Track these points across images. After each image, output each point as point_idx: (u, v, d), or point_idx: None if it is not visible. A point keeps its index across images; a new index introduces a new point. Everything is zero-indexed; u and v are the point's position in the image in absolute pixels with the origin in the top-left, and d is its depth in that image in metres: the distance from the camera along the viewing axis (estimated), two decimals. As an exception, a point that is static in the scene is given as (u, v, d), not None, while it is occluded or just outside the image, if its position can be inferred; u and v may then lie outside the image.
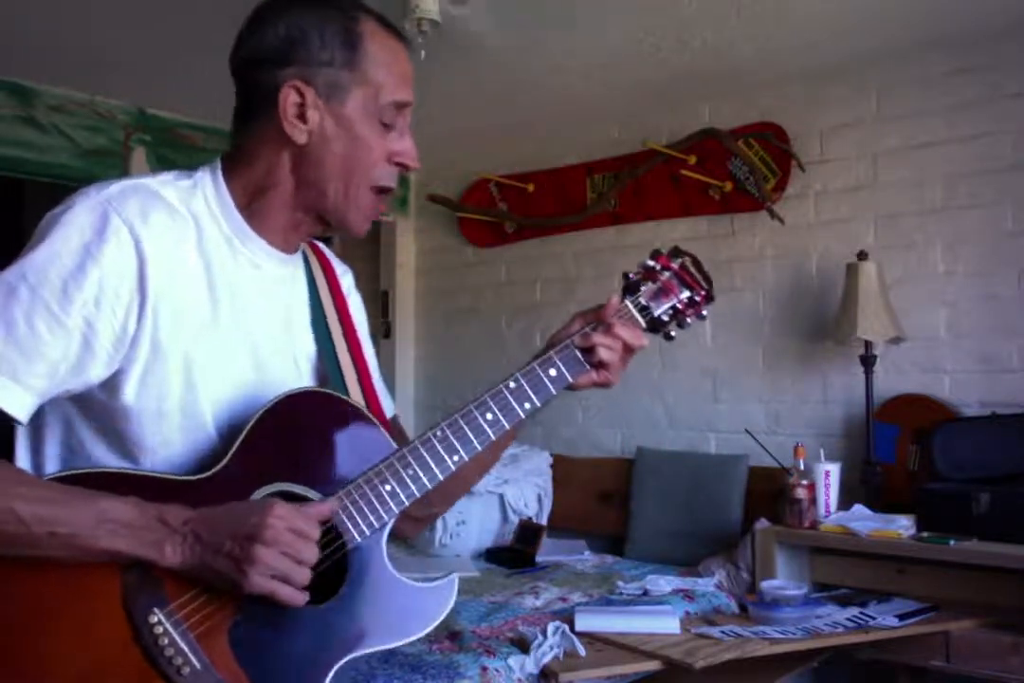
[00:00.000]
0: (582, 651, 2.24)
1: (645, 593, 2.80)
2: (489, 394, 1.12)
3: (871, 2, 2.86)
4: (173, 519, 0.92)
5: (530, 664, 2.20)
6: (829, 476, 2.89)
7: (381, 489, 1.04)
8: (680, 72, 3.45)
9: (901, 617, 2.43)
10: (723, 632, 2.36)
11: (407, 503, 1.05)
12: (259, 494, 1.00)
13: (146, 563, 0.91)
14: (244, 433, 1.01)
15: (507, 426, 1.12)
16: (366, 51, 1.07)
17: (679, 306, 1.29)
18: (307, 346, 1.18)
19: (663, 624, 2.41)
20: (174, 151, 4.14)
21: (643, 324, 1.24)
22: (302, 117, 1.06)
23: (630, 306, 1.24)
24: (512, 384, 1.13)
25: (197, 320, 1.03)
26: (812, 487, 2.82)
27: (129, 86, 3.73)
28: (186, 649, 0.91)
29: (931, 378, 3.14)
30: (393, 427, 1.22)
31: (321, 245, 1.30)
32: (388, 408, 1.26)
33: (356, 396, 1.17)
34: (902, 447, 3.08)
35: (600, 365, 1.18)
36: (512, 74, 3.47)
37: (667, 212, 3.84)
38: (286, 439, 1.03)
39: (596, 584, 2.97)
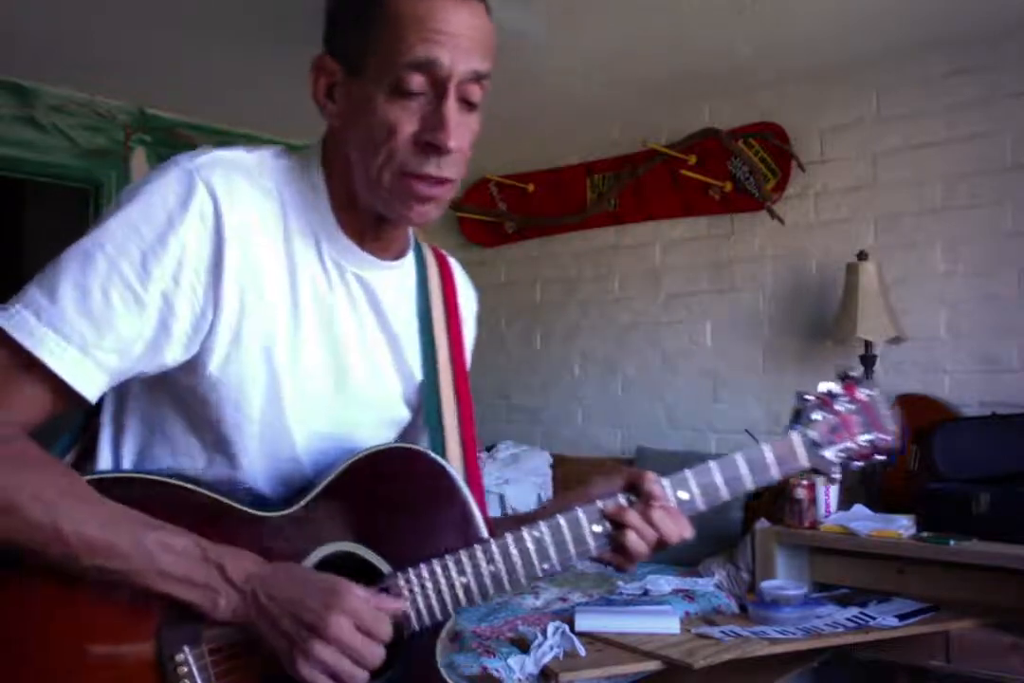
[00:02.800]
0: (582, 651, 2.24)
1: (645, 593, 2.80)
2: (603, 502, 0.98)
3: (871, 2, 2.86)
4: (234, 572, 0.83)
5: (530, 664, 2.20)
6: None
7: (456, 580, 0.92)
8: (680, 72, 3.45)
9: (901, 617, 2.43)
10: (723, 632, 2.36)
11: (477, 602, 0.93)
12: (326, 550, 0.91)
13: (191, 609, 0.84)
14: (328, 479, 0.92)
15: (558, 568, 0.97)
16: (388, 5, 0.89)
17: (854, 449, 1.06)
18: (405, 367, 1.06)
19: (663, 624, 2.41)
20: (174, 151, 4.06)
21: (806, 463, 1.03)
22: (331, 96, 0.94)
23: (795, 439, 1.04)
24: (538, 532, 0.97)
25: (277, 319, 0.93)
26: (812, 487, 2.82)
27: (129, 86, 3.73)
28: None
29: (931, 378, 3.14)
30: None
31: (452, 261, 1.16)
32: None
33: (452, 439, 1.05)
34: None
35: (620, 548, 0.97)
36: (512, 74, 3.48)
37: (667, 212, 3.85)
38: (370, 497, 0.93)
39: (596, 584, 2.97)
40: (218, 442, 0.94)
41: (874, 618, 2.43)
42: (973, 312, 3.10)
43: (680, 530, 0.98)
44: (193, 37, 3.19)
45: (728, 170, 3.64)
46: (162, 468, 0.94)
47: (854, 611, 2.50)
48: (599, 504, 0.98)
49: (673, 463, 3.75)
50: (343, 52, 0.93)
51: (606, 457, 3.88)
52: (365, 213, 0.97)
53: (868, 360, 3.11)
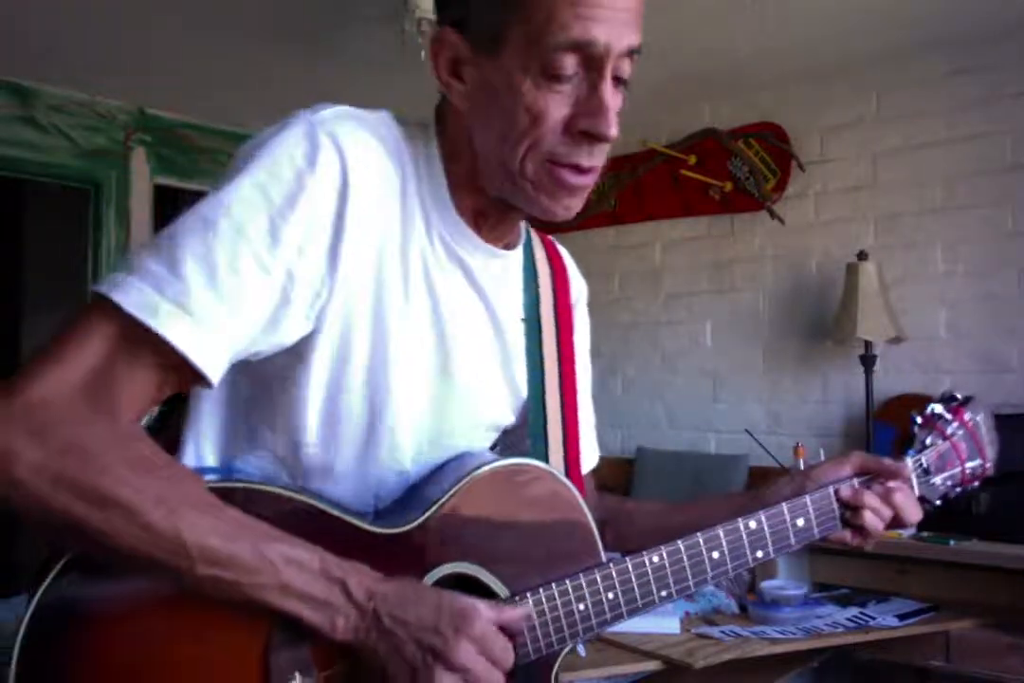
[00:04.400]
0: (582, 651, 2.24)
1: (645, 593, 2.79)
2: (724, 529, 0.95)
3: (871, 2, 2.86)
4: (356, 589, 0.76)
5: (530, 664, 2.19)
6: (829, 476, 2.88)
7: (575, 607, 0.87)
8: (680, 72, 3.45)
9: (901, 617, 2.42)
10: (723, 632, 2.36)
11: (595, 631, 0.88)
12: (443, 570, 0.85)
13: (307, 627, 0.77)
14: (447, 496, 0.85)
15: (730, 571, 0.95)
16: None
17: (959, 477, 1.07)
18: (511, 374, 0.99)
19: (663, 624, 2.40)
20: (174, 151, 4.14)
21: (915, 490, 1.03)
22: (457, 74, 0.84)
23: (910, 466, 1.03)
24: (752, 524, 0.96)
25: (389, 298, 0.85)
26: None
27: (129, 86, 3.73)
28: None
29: (931, 378, 3.14)
30: (586, 485, 1.05)
31: (561, 249, 1.09)
32: (588, 460, 1.09)
33: (555, 456, 1.00)
34: (902, 447, 3.08)
35: (859, 529, 0.99)
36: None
37: (667, 212, 3.85)
38: (488, 514, 0.87)
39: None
40: (310, 429, 0.86)
41: (874, 618, 2.43)
42: (973, 312, 3.10)
43: (916, 512, 1.00)
44: (193, 37, 3.19)
45: (728, 170, 3.64)
46: (266, 475, 0.87)
47: (854, 611, 2.50)
48: (830, 489, 0.99)
49: (673, 463, 3.73)
50: (471, 24, 0.81)
51: (606, 457, 3.88)
52: (485, 199, 0.88)
53: (868, 360, 3.11)
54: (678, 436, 3.74)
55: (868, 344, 3.10)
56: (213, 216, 0.75)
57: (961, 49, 3.12)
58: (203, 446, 0.87)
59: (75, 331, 0.72)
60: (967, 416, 1.08)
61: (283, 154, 0.78)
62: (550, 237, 1.09)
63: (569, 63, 0.78)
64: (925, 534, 2.60)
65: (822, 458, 2.97)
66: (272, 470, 0.87)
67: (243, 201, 0.76)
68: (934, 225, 3.19)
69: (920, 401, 3.46)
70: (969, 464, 1.07)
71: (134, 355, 0.73)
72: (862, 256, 3.13)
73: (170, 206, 4.49)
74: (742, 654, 2.20)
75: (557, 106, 0.79)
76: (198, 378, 0.75)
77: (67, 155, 3.78)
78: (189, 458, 0.87)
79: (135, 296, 0.72)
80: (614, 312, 4.00)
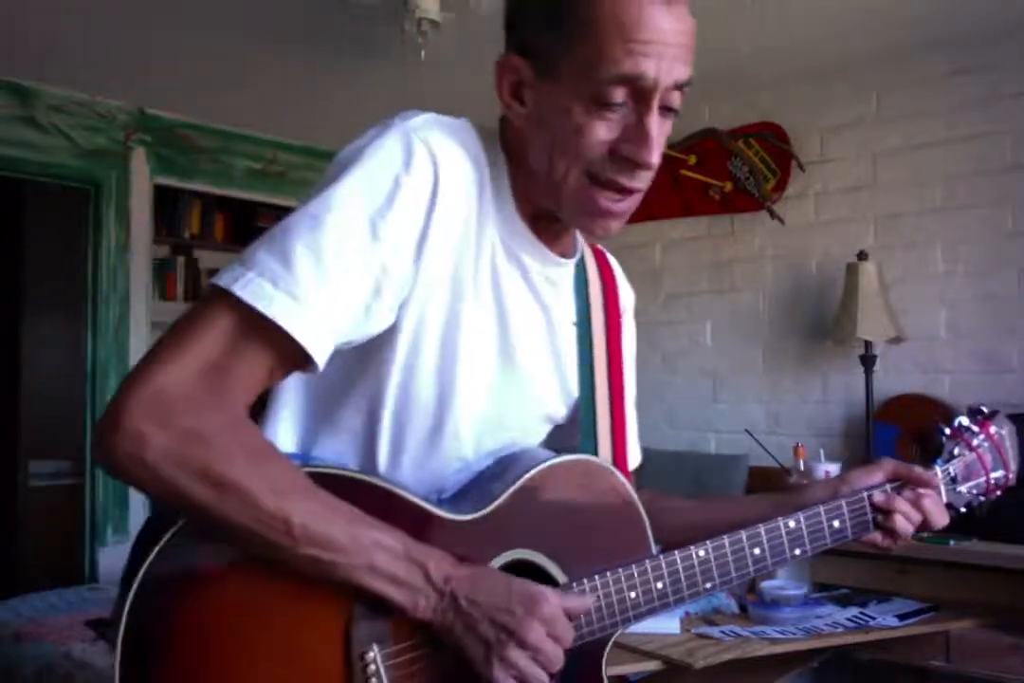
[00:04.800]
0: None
1: (645, 593, 2.80)
2: (765, 527, 1.01)
3: (871, 2, 2.86)
4: (435, 573, 0.83)
5: (530, 664, 2.19)
6: (829, 476, 2.89)
7: (626, 594, 0.94)
8: (680, 72, 3.45)
9: (901, 617, 2.42)
10: (723, 632, 2.36)
11: (644, 618, 0.95)
12: (507, 556, 0.92)
13: (391, 606, 0.84)
14: (513, 487, 0.93)
15: (770, 566, 1.02)
16: (589, 7, 0.83)
17: (984, 486, 1.13)
18: (563, 376, 1.06)
19: (663, 624, 2.40)
20: (174, 151, 4.14)
21: (943, 498, 1.09)
22: (518, 96, 0.90)
23: (939, 475, 1.09)
24: (792, 524, 1.02)
25: (461, 300, 0.91)
26: (812, 487, 2.81)
27: (129, 86, 3.74)
28: None
29: (931, 378, 3.14)
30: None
31: (611, 259, 1.16)
32: (632, 461, 1.15)
33: (604, 443, 1.07)
34: (902, 447, 3.08)
35: (890, 531, 1.06)
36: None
37: (667, 212, 3.84)
38: (547, 505, 0.94)
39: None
40: (384, 416, 0.92)
41: (874, 618, 2.43)
42: (973, 312, 3.10)
43: (943, 517, 1.06)
44: (193, 37, 3.19)
45: (728, 170, 3.64)
46: (342, 461, 0.93)
47: (854, 611, 2.50)
48: (865, 494, 1.05)
49: (673, 463, 3.72)
50: (532, 51, 0.87)
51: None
52: (534, 206, 0.95)
53: (868, 360, 3.11)
54: (678, 436, 3.74)
55: (868, 344, 3.10)
56: (320, 214, 0.81)
57: (961, 49, 3.12)
58: (283, 432, 0.93)
59: (195, 322, 0.79)
60: (992, 429, 1.13)
61: (382, 157, 0.84)
62: (599, 246, 1.15)
63: (619, 94, 0.84)
64: (925, 534, 2.60)
65: (822, 458, 2.97)
66: (348, 456, 0.94)
67: (346, 200, 0.82)
68: (934, 225, 3.20)
69: (920, 401, 3.47)
70: (994, 474, 1.13)
71: (250, 343, 0.79)
72: (862, 256, 3.13)
73: (170, 206, 4.50)
74: (742, 654, 2.20)
75: (605, 130, 0.86)
76: (307, 363, 0.81)
77: (67, 155, 3.78)
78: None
79: (252, 288, 0.78)
80: (614, 312, 3.99)
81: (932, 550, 2.52)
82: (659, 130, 0.87)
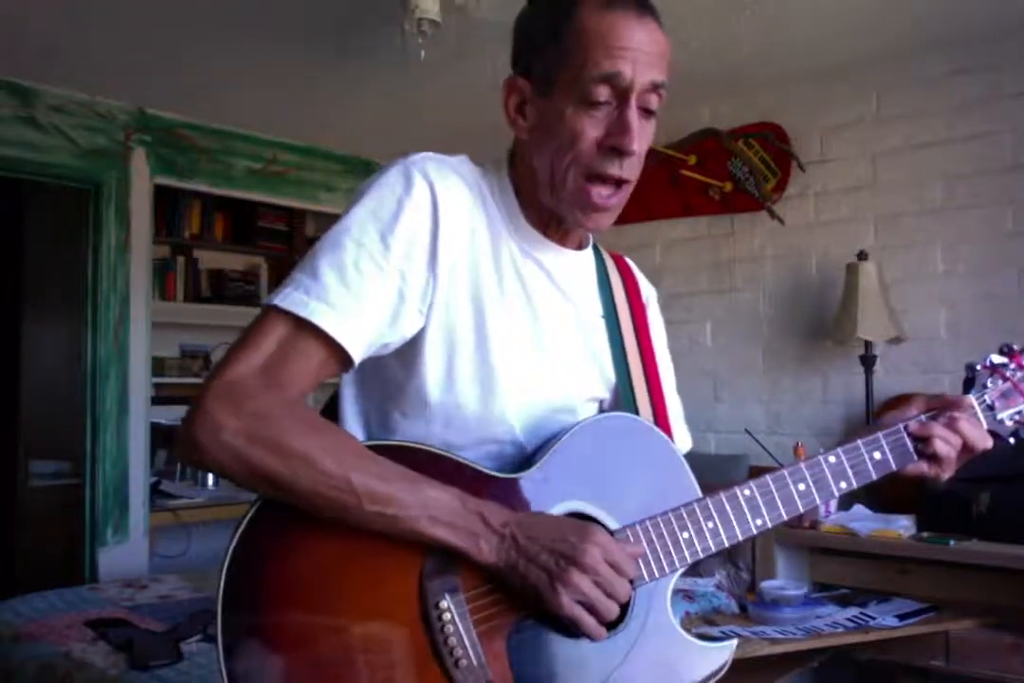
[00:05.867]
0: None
1: (645, 593, 2.79)
2: (806, 464, 1.07)
3: (871, 2, 2.86)
4: (493, 518, 0.93)
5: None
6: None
7: (679, 535, 1.01)
8: (680, 72, 3.43)
9: (901, 617, 2.43)
10: (723, 632, 2.36)
11: (701, 555, 1.02)
12: (559, 508, 1.00)
13: (456, 552, 0.93)
14: (559, 443, 1.01)
15: (817, 501, 1.07)
16: (575, 27, 1.00)
17: None
18: (598, 355, 1.15)
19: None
20: (174, 151, 4.14)
21: (984, 424, 1.14)
22: (522, 113, 1.06)
23: (975, 403, 1.15)
24: (832, 459, 1.08)
25: (486, 293, 1.04)
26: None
27: (129, 86, 3.74)
28: (467, 642, 0.92)
29: (931, 378, 3.14)
30: None
31: (629, 260, 1.28)
32: (682, 444, 1.23)
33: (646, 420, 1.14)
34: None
35: (933, 458, 1.10)
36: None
37: (667, 212, 3.85)
38: (594, 459, 1.03)
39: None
40: (432, 411, 1.02)
41: (874, 618, 2.43)
42: (973, 312, 3.10)
43: (984, 439, 1.10)
44: (193, 37, 3.19)
45: (728, 170, 3.64)
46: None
47: (854, 611, 2.50)
48: (900, 425, 1.10)
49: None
50: (533, 73, 1.04)
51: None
52: (544, 210, 1.08)
53: (868, 360, 3.11)
54: (678, 436, 3.74)
55: (868, 344, 3.10)
56: (338, 237, 0.98)
57: (961, 49, 3.12)
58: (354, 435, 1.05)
59: (253, 330, 0.95)
60: None
61: (386, 187, 1.00)
62: (615, 252, 1.27)
63: (602, 92, 0.99)
64: (925, 534, 2.60)
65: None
66: None
67: (359, 223, 0.99)
68: (934, 225, 3.19)
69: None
70: None
71: (297, 342, 0.94)
72: (862, 256, 3.13)
73: (170, 206, 4.50)
74: (742, 654, 2.20)
75: (592, 127, 1.00)
76: (344, 356, 0.95)
77: (67, 155, 3.78)
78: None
79: (290, 299, 0.95)
80: (614, 312, 4.00)
81: (932, 550, 2.52)
82: (639, 125, 1.01)
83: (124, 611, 2.89)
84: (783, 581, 2.66)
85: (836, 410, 3.36)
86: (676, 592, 2.80)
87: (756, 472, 3.56)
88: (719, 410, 3.68)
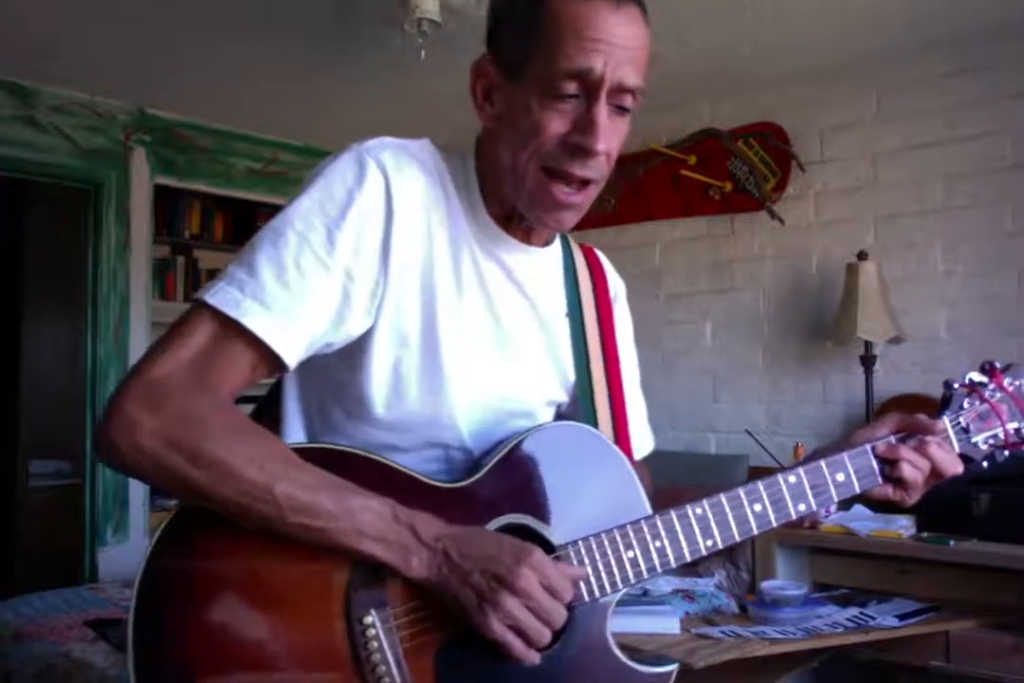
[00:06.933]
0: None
1: (645, 593, 2.80)
2: (763, 483, 1.00)
3: (871, 2, 2.86)
4: (424, 532, 0.87)
5: (530, 664, 2.19)
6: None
7: (623, 554, 0.95)
8: (680, 72, 3.45)
9: (901, 617, 2.42)
10: (723, 632, 2.36)
11: (645, 576, 0.96)
12: (500, 521, 0.94)
13: (385, 566, 0.88)
14: (501, 454, 0.96)
15: (774, 523, 1.00)
16: (549, 12, 0.92)
17: (1002, 437, 1.10)
18: (559, 361, 1.10)
19: (663, 624, 2.40)
20: (174, 151, 4.14)
21: (956, 448, 1.08)
22: (489, 99, 0.99)
23: (948, 425, 1.08)
24: (792, 479, 1.01)
25: (441, 291, 0.97)
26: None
27: (129, 86, 3.74)
28: (391, 659, 0.87)
29: (931, 378, 3.14)
30: (639, 468, 1.12)
31: (599, 253, 1.22)
32: (643, 446, 1.19)
33: (605, 428, 1.10)
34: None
35: (899, 482, 1.04)
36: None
37: (667, 212, 3.85)
38: (539, 470, 0.97)
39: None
40: (377, 412, 0.97)
41: (874, 618, 2.43)
42: (973, 312, 3.10)
43: (955, 464, 1.04)
44: (193, 37, 3.19)
45: (728, 170, 3.64)
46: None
47: (854, 611, 2.50)
48: (867, 446, 1.04)
49: (673, 463, 3.72)
50: (504, 58, 0.97)
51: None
52: (508, 204, 1.01)
53: (868, 360, 3.11)
54: (678, 436, 3.74)
55: (868, 344, 3.10)
56: (281, 229, 0.91)
57: (961, 49, 3.12)
58: (293, 437, 1.01)
59: (180, 327, 0.88)
60: (1006, 381, 1.10)
61: (336, 176, 0.93)
62: (587, 245, 1.21)
63: (570, 86, 0.92)
64: (925, 534, 2.60)
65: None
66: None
67: (305, 215, 0.91)
68: (934, 225, 3.19)
69: (920, 401, 3.48)
70: (1011, 425, 1.09)
71: (226, 342, 0.88)
72: (862, 256, 3.13)
73: (170, 206, 4.50)
74: (742, 654, 2.20)
75: (557, 122, 0.93)
76: (277, 360, 0.89)
77: (67, 155, 3.78)
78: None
79: (222, 296, 0.88)
80: (614, 312, 4.00)
81: (932, 550, 2.52)
82: (608, 123, 0.94)
83: (124, 611, 2.89)
84: (783, 581, 2.66)
85: (836, 410, 3.36)
86: (676, 592, 2.82)
87: (756, 473, 3.57)
88: (719, 410, 3.68)
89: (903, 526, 2.64)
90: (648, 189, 3.88)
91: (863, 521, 2.73)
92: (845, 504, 2.88)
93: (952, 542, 2.49)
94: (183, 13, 2.98)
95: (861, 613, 2.48)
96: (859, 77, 3.37)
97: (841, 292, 3.18)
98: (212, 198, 4.57)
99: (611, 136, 0.95)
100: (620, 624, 2.41)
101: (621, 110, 0.95)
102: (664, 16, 2.92)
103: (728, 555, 3.00)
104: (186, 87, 3.74)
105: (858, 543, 2.66)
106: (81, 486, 3.90)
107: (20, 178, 3.89)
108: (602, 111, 0.93)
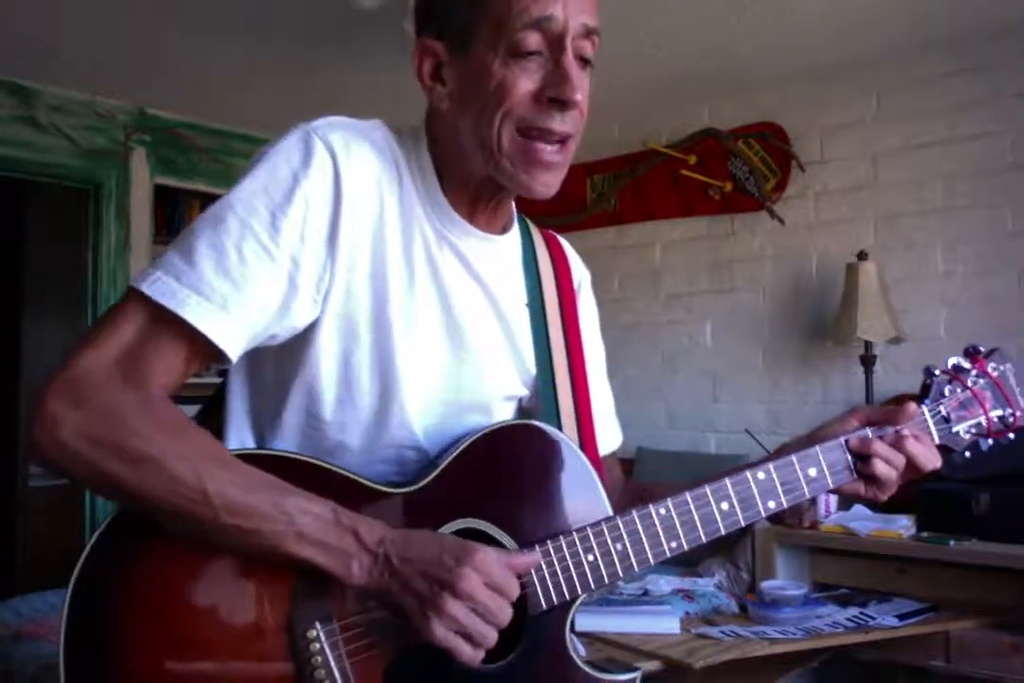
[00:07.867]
0: (582, 651, 2.24)
1: (645, 593, 2.80)
2: (731, 480, 0.95)
3: (871, 2, 2.86)
4: (367, 535, 0.82)
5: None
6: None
7: (583, 558, 0.90)
8: (680, 72, 3.45)
9: (901, 617, 2.42)
10: (723, 632, 2.36)
11: (606, 582, 0.91)
12: (454, 526, 0.90)
13: (326, 574, 0.82)
14: (453, 456, 0.91)
15: (742, 522, 0.95)
16: None
17: (985, 425, 1.05)
18: (518, 353, 1.04)
19: (663, 624, 2.40)
20: (174, 151, 4.14)
21: (936, 439, 1.02)
22: (438, 78, 0.93)
23: (927, 415, 1.02)
24: (761, 475, 0.96)
25: (391, 281, 0.92)
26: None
27: (129, 86, 3.74)
28: (337, 675, 0.83)
29: (931, 378, 3.14)
30: (608, 463, 1.09)
31: (562, 240, 1.17)
32: (609, 440, 1.14)
33: (568, 422, 1.04)
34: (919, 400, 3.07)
35: (871, 478, 0.98)
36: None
37: (667, 212, 3.85)
38: (494, 471, 0.92)
39: (596, 584, 2.96)
40: (325, 409, 0.93)
41: (874, 618, 2.43)
42: (973, 312, 3.09)
43: (933, 459, 0.99)
44: (193, 37, 3.19)
45: (728, 170, 3.64)
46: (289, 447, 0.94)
47: (854, 611, 2.50)
48: (841, 439, 0.98)
49: (673, 463, 3.71)
50: (447, 29, 0.92)
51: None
52: (471, 187, 0.96)
53: (868, 360, 3.11)
54: (678, 436, 3.74)
55: (868, 344, 3.10)
56: (222, 213, 0.86)
57: (961, 49, 3.12)
58: (234, 440, 0.95)
59: (110, 317, 0.83)
60: (990, 366, 1.05)
61: (281, 157, 0.88)
62: (550, 231, 1.16)
63: (532, 40, 0.88)
64: (925, 534, 2.60)
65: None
66: (295, 449, 0.94)
67: (247, 199, 0.86)
68: (934, 225, 3.19)
69: (920, 401, 3.42)
70: (994, 413, 1.04)
71: (160, 334, 0.83)
72: (862, 256, 3.13)
73: (170, 206, 4.50)
74: (742, 654, 2.20)
75: (525, 80, 0.88)
76: (217, 352, 0.84)
77: (67, 155, 3.78)
78: (231, 446, 0.94)
79: (157, 284, 0.82)
80: (614, 312, 3.99)
81: (932, 550, 2.52)
82: (578, 74, 0.90)
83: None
84: (783, 581, 2.66)
85: (836, 410, 3.36)
86: (676, 592, 2.81)
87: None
88: (719, 410, 3.68)
89: (903, 526, 2.64)
90: (648, 189, 3.88)
91: (863, 521, 2.73)
92: (845, 504, 2.88)
93: (952, 542, 2.49)
94: (183, 13, 2.98)
95: (861, 613, 2.48)
96: (859, 77, 3.37)
97: (841, 292, 3.18)
98: (212, 198, 4.50)
99: (583, 87, 0.91)
100: (620, 624, 2.41)
101: (584, 62, 0.92)
102: (664, 16, 2.93)
103: (728, 555, 3.00)
104: (186, 87, 3.74)
105: (858, 543, 2.66)
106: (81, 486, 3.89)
107: (20, 178, 3.88)
108: (572, 62, 0.89)
